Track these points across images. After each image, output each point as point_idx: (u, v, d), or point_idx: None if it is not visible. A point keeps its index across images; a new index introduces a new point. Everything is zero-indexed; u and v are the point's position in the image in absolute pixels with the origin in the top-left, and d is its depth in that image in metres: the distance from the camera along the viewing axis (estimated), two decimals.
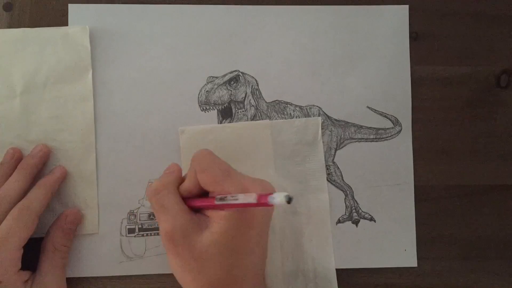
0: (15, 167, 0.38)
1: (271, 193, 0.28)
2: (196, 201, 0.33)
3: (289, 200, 0.27)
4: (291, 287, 0.39)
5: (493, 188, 0.42)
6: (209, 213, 0.32)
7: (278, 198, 0.27)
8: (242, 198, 0.29)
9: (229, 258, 0.31)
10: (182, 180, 0.35)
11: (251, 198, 0.29)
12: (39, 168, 0.38)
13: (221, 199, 0.31)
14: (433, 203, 0.41)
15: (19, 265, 0.35)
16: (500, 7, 0.43)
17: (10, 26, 0.41)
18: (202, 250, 0.31)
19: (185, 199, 0.34)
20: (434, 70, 0.42)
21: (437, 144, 0.42)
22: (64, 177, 0.39)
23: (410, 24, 0.42)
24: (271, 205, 0.27)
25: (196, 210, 0.33)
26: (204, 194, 0.34)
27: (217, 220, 0.31)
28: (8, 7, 0.41)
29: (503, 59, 0.43)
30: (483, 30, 0.43)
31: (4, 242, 0.34)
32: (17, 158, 0.38)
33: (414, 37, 0.42)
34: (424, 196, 0.41)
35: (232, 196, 0.30)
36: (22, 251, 0.35)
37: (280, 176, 0.40)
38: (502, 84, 0.43)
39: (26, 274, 0.36)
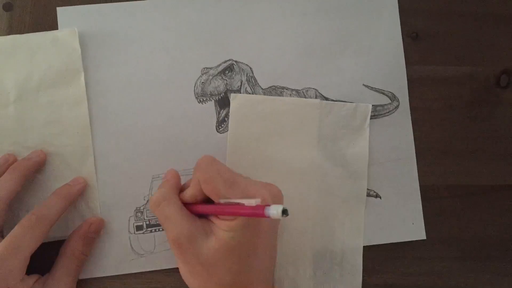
0: None
1: (268, 205, 0.28)
2: (199, 207, 0.34)
3: (285, 213, 0.27)
4: (318, 266, 0.40)
5: (493, 188, 0.42)
6: (214, 219, 0.32)
7: (273, 210, 0.27)
8: (245, 202, 0.30)
9: (235, 264, 0.31)
10: (180, 184, 0.35)
11: (252, 202, 0.29)
12: (32, 171, 0.38)
13: (224, 203, 0.31)
14: (433, 203, 0.41)
15: (24, 273, 0.34)
16: (500, 7, 0.43)
17: (10, 26, 0.41)
18: (209, 256, 0.31)
19: (189, 205, 0.34)
20: (434, 70, 0.42)
21: (437, 144, 0.42)
22: (84, 189, 0.39)
23: (410, 24, 0.42)
24: (267, 217, 0.27)
25: (201, 216, 0.34)
26: (209, 199, 0.34)
27: (223, 227, 0.31)
28: (8, 7, 0.41)
29: (503, 59, 0.43)
30: (483, 30, 0.43)
31: (14, 251, 0.33)
32: (11, 163, 0.38)
33: (414, 37, 0.42)
34: (425, 196, 0.41)
35: (235, 202, 0.31)
36: (29, 259, 0.34)
37: (322, 156, 0.40)
38: (502, 84, 0.43)
39: (31, 279, 0.35)
